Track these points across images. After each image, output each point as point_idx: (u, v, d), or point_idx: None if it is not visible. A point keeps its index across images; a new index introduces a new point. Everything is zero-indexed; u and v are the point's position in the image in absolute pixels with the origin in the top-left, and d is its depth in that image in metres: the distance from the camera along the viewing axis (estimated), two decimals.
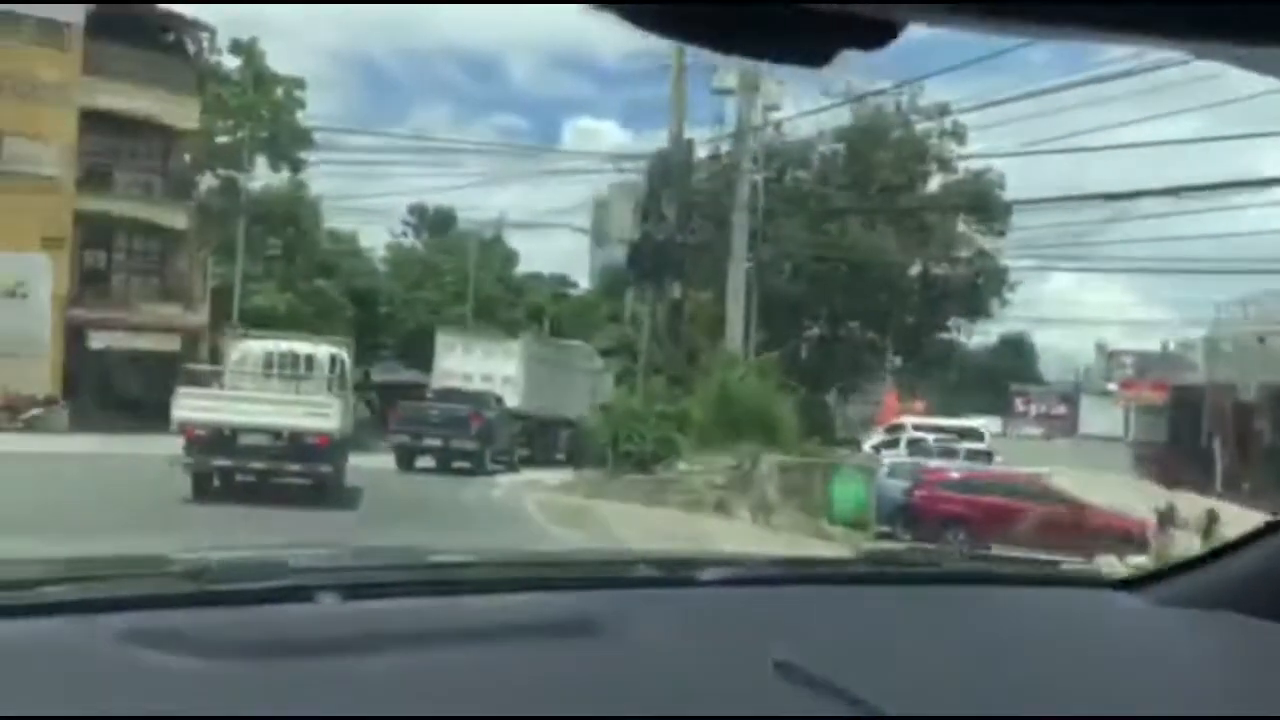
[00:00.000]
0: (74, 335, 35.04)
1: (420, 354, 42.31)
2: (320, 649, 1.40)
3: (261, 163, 46.04)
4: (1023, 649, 1.69)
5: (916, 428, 37.37)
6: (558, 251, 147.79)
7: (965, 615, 1.84)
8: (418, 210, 66.05)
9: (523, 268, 71.62)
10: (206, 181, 42.79)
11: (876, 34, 0.71)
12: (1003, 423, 55.70)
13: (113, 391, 36.91)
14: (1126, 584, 1.98)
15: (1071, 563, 6.65)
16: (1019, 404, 64.13)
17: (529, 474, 28.39)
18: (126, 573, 1.74)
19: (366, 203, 73.18)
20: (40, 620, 1.40)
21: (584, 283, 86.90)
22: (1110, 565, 12.46)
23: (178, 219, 37.97)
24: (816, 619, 1.70)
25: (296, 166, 47.39)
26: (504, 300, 63.61)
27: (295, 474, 17.14)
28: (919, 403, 48.17)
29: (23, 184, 32.31)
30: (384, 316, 55.75)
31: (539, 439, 31.66)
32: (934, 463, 27.92)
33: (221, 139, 44.12)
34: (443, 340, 33.20)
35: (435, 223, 65.83)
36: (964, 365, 55.24)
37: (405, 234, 66.18)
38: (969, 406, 51.20)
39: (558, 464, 30.76)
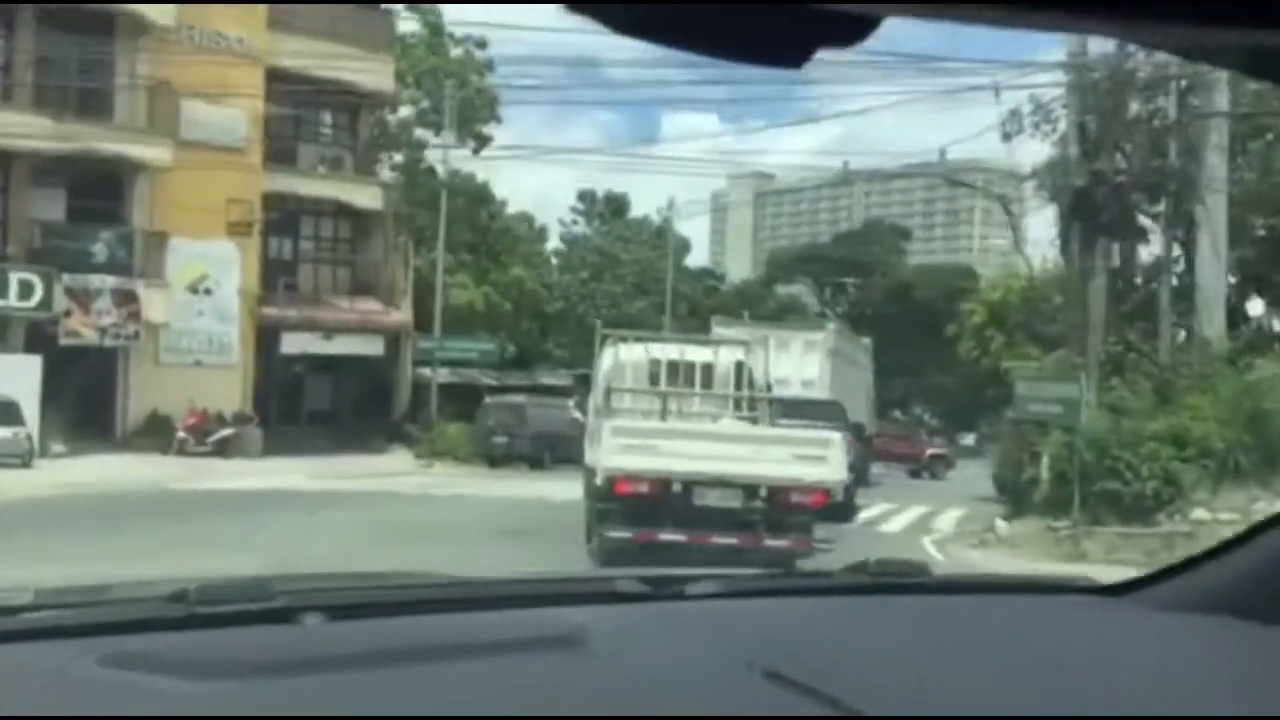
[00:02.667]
0: (266, 339, 29.12)
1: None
2: (305, 668, 1.38)
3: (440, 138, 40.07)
4: (1009, 654, 1.66)
5: None
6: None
7: (950, 623, 1.81)
8: (587, 196, 59.83)
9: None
10: (397, 157, 36.83)
11: (853, 30, 0.71)
12: None
13: (305, 404, 31.15)
14: (1115, 590, 1.95)
15: None
16: None
17: (871, 511, 21.80)
18: (109, 599, 1.70)
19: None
20: (23, 645, 1.39)
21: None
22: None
23: (373, 199, 31.94)
24: (803, 629, 1.72)
25: (482, 140, 41.40)
26: (685, 293, 57.48)
27: (772, 554, 10.54)
28: None
29: (205, 155, 26.37)
30: (555, 314, 49.71)
31: None
32: None
33: (406, 109, 38.19)
34: (720, 333, 26.38)
35: (607, 209, 59.46)
36: None
37: (575, 222, 59.92)
38: None
39: None
